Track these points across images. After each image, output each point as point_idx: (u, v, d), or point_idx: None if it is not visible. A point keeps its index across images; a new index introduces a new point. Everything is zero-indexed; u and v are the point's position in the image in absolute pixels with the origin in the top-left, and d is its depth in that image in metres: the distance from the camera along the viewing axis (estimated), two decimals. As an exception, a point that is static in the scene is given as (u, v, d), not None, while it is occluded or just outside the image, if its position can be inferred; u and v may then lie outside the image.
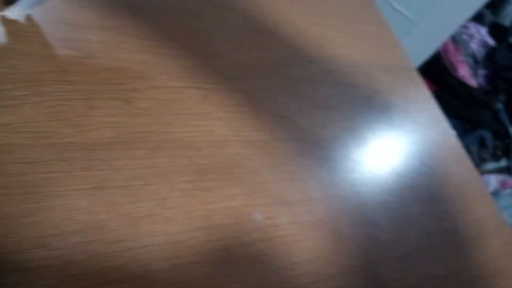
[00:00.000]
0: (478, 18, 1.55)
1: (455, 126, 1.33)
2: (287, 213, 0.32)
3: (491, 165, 1.47)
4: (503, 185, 1.50)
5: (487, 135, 1.44)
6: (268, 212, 0.31)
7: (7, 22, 0.29)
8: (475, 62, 1.46)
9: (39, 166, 0.24)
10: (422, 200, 0.41)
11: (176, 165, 0.29)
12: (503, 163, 1.50)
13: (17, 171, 0.24)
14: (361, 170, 0.39)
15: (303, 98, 0.41)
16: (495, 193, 1.47)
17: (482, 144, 1.44)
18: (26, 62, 0.28)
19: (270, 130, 0.36)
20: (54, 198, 0.24)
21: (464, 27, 1.50)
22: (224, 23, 0.38)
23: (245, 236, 0.29)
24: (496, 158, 1.47)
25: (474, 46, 1.48)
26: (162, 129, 0.30)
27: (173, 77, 0.34)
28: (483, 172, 1.44)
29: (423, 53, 1.26)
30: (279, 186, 0.33)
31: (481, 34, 1.54)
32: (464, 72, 1.39)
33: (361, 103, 0.45)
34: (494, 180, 1.46)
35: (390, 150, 0.43)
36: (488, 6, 1.44)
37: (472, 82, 1.41)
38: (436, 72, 1.38)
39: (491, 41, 1.57)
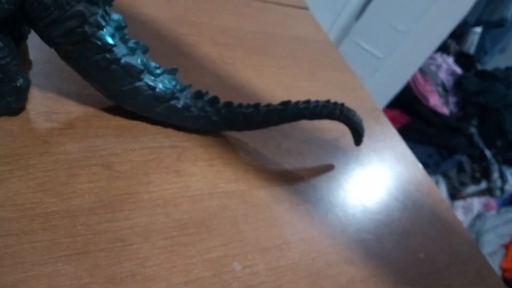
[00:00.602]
0: (443, 48, 1.64)
1: (431, 154, 1.38)
2: (264, 260, 0.34)
3: (472, 189, 1.50)
4: (487, 207, 1.54)
5: (464, 159, 1.49)
6: (246, 260, 0.33)
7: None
8: (445, 90, 1.53)
9: (25, 236, 0.26)
10: (395, 234, 0.43)
11: (156, 223, 0.31)
12: (483, 185, 1.54)
13: (2, 243, 0.25)
14: (334, 210, 0.42)
15: (275, 146, 0.44)
16: (480, 216, 1.50)
17: (460, 168, 1.49)
18: (10, 138, 0.30)
19: (244, 180, 0.38)
20: (40, 266, 0.25)
21: (431, 58, 1.58)
22: (198, 83, 0.41)
23: (225, 287, 0.31)
24: (475, 181, 1.51)
25: (442, 75, 1.56)
26: (141, 189, 0.32)
27: (150, 138, 0.36)
28: (464, 196, 1.48)
29: (394, 87, 1.33)
30: (256, 234, 0.35)
31: (447, 63, 1.63)
32: (435, 101, 1.45)
33: (330, 145, 0.48)
34: (477, 203, 1.50)
35: (361, 189, 0.46)
36: (451, 36, 1.53)
37: (444, 110, 1.47)
38: (408, 104, 1.45)
39: (458, 69, 1.65)
